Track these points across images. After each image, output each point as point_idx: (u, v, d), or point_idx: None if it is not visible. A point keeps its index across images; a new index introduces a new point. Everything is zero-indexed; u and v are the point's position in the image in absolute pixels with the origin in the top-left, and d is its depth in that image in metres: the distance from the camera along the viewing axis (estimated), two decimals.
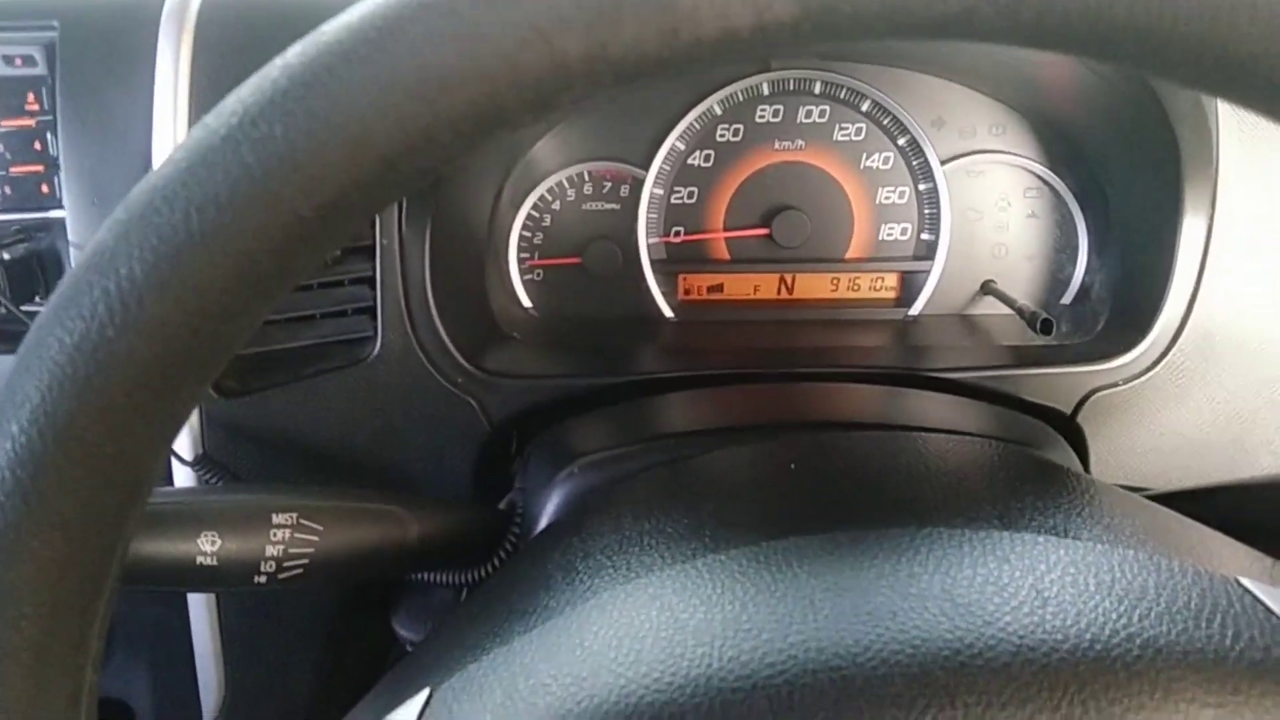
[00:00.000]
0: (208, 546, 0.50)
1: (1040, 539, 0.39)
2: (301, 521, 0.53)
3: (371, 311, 0.66)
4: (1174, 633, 0.34)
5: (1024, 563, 0.38)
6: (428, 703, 0.39)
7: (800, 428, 0.60)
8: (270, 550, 0.52)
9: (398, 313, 0.65)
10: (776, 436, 0.53)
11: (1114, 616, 0.35)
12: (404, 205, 0.64)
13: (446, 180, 0.66)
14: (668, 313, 0.82)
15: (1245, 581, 0.38)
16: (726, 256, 0.82)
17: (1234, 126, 0.64)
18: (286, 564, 0.52)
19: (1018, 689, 0.32)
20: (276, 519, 0.52)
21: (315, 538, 0.53)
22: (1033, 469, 0.50)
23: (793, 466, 0.49)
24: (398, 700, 0.40)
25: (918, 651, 0.33)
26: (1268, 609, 0.36)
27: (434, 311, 0.65)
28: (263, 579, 0.52)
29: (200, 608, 0.69)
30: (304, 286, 0.66)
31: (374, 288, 0.65)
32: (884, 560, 0.38)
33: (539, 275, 0.82)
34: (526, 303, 0.82)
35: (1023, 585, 0.36)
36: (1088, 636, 0.34)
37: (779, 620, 0.36)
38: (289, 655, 0.70)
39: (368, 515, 0.55)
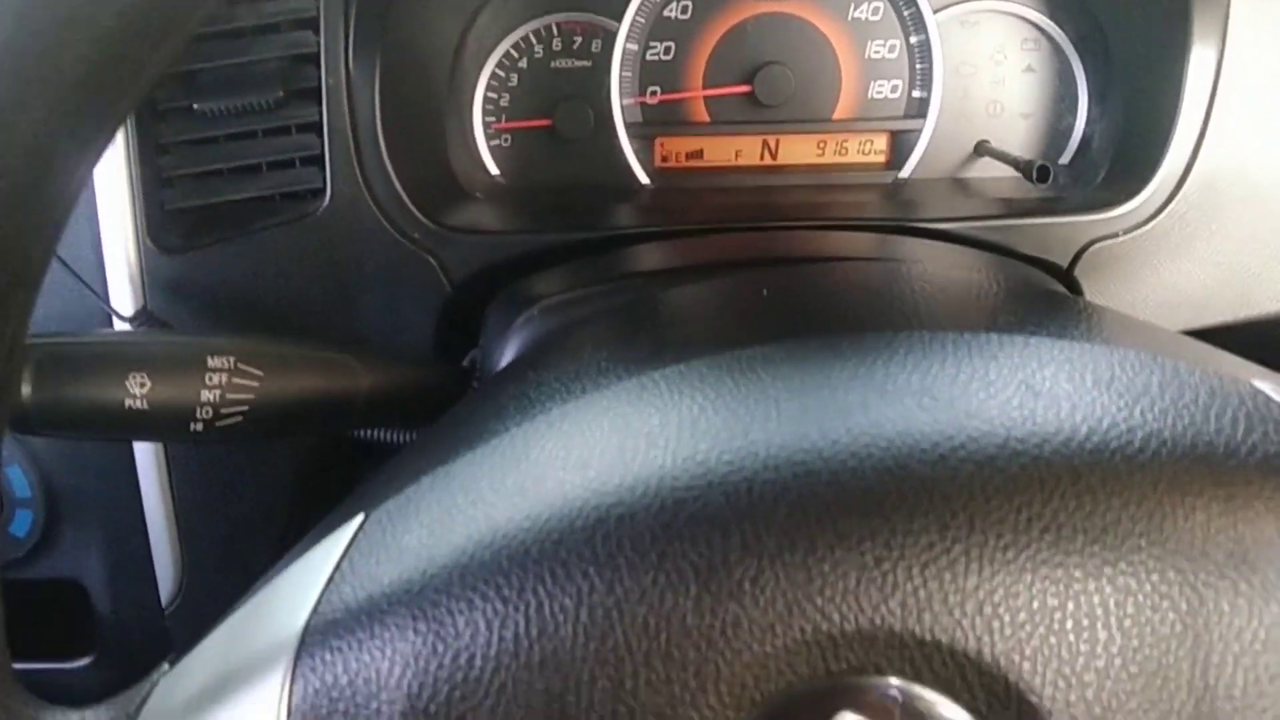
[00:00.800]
0: (136, 389, 0.47)
1: (1032, 340, 0.36)
2: (239, 365, 0.49)
3: (320, 161, 0.61)
4: (1180, 427, 0.31)
5: (1013, 360, 0.34)
6: (361, 527, 0.35)
7: (780, 265, 0.56)
8: (206, 395, 0.48)
9: (347, 161, 0.61)
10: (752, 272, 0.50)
11: (1114, 410, 0.31)
12: (350, 41, 0.59)
13: (399, 17, 0.61)
14: (643, 179, 0.78)
15: (1258, 383, 0.34)
16: (706, 118, 0.78)
17: None
18: (224, 410, 0.49)
19: (1005, 481, 0.29)
20: (212, 362, 0.48)
21: (255, 383, 0.49)
22: (1028, 292, 0.46)
23: (765, 293, 0.45)
24: (332, 530, 0.36)
25: (892, 445, 0.30)
26: None
27: (386, 159, 0.61)
28: (199, 426, 0.48)
29: (152, 481, 0.65)
30: (249, 135, 0.62)
31: (321, 134, 0.61)
32: (858, 361, 0.35)
33: (506, 140, 0.78)
34: (493, 169, 0.77)
35: (1011, 381, 0.33)
36: (1084, 429, 0.30)
37: (739, 419, 0.32)
38: (248, 530, 0.67)
39: (313, 363, 0.51)
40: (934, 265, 0.55)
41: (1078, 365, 0.34)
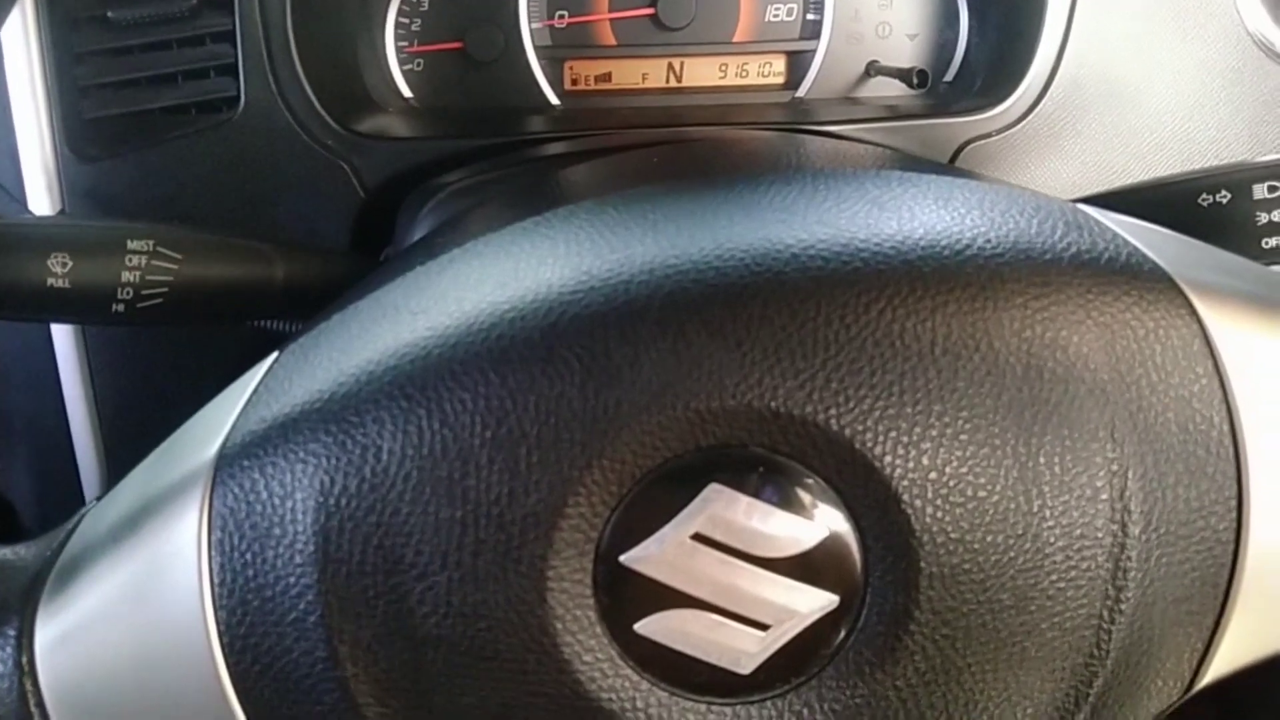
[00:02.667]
0: (58, 268, 0.49)
1: (889, 174, 0.40)
2: (159, 249, 0.51)
3: (234, 70, 0.63)
4: (1004, 230, 0.35)
5: (866, 187, 0.38)
6: (276, 360, 0.38)
7: None
8: (126, 276, 0.50)
9: (260, 68, 0.63)
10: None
11: (948, 219, 0.36)
12: None
13: None
14: (554, 100, 0.81)
15: (1084, 206, 0.39)
16: (613, 41, 0.81)
17: None
18: (145, 291, 0.51)
19: (848, 273, 0.33)
20: (132, 244, 0.50)
21: (174, 265, 0.51)
22: (899, 158, 0.51)
23: (655, 160, 0.48)
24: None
25: (751, 248, 0.34)
26: (1100, 222, 0.37)
27: (299, 68, 0.63)
28: (120, 307, 0.51)
29: (75, 389, 0.67)
30: (164, 45, 0.63)
31: (235, 44, 0.63)
32: (728, 192, 0.39)
33: (419, 65, 0.80)
34: (406, 92, 0.80)
35: (862, 199, 0.37)
36: (920, 232, 0.35)
37: (620, 238, 0.36)
38: (171, 429, 0.69)
39: (231, 249, 0.54)
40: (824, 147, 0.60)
41: (923, 189, 0.38)
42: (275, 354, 0.38)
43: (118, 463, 0.69)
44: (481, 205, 0.49)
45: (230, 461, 0.34)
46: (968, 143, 0.68)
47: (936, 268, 0.33)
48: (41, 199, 0.63)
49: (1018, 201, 0.37)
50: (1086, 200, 0.56)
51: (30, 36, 0.61)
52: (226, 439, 0.35)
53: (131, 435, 0.69)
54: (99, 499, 0.40)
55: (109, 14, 0.62)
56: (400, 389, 0.32)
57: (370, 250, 0.67)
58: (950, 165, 0.54)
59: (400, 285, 0.38)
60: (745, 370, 0.31)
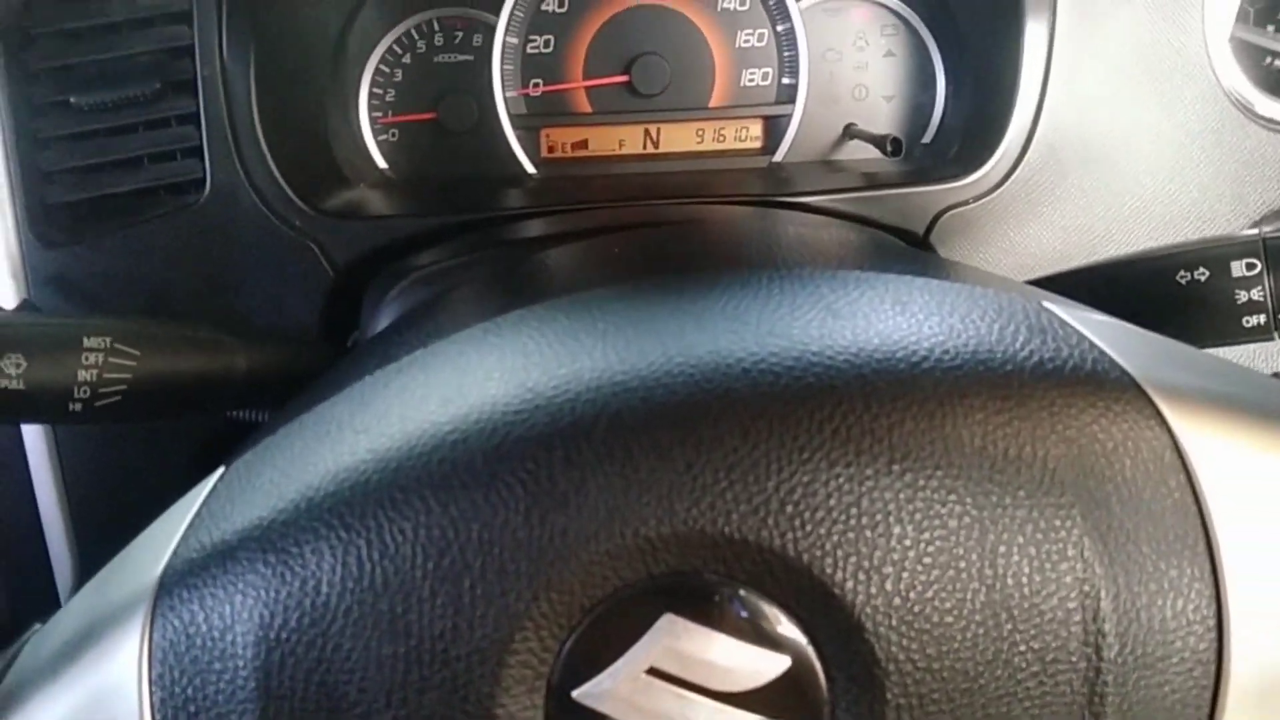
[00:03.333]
0: (12, 369, 0.48)
1: (843, 274, 0.39)
2: (116, 346, 0.50)
3: (199, 152, 0.63)
4: (964, 338, 0.34)
5: (820, 290, 0.37)
6: (220, 478, 0.37)
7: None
8: (83, 375, 0.49)
9: (225, 150, 0.62)
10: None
11: (904, 327, 0.35)
12: (224, 33, 0.61)
13: (273, 10, 0.63)
14: (530, 169, 0.80)
15: (1048, 304, 0.38)
16: (589, 109, 0.81)
17: None
18: (102, 390, 0.50)
19: (800, 389, 0.32)
20: (89, 342, 0.49)
21: (132, 363, 0.50)
22: (867, 243, 0.50)
23: (616, 250, 0.47)
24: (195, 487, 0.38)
25: (700, 363, 0.33)
26: (1065, 323, 0.36)
27: (264, 146, 0.62)
28: (78, 406, 0.49)
29: (45, 478, 0.66)
30: (128, 129, 0.63)
31: (199, 126, 0.62)
32: (679, 297, 0.37)
33: (393, 135, 0.80)
34: (381, 163, 0.79)
35: (815, 307, 0.36)
36: (875, 343, 0.33)
37: (568, 351, 0.35)
38: (143, 520, 0.67)
39: (190, 342, 0.53)
40: (789, 229, 0.59)
41: (880, 292, 0.37)
42: (220, 470, 0.37)
43: (90, 554, 0.68)
44: (440, 300, 0.48)
45: (170, 590, 0.32)
46: (944, 211, 0.67)
47: (892, 381, 0.32)
48: (6, 286, 0.62)
49: (979, 304, 0.36)
50: (1062, 277, 0.55)
51: None
52: (167, 565, 0.34)
53: (104, 524, 0.67)
54: (41, 626, 0.38)
55: (71, 99, 0.61)
56: (339, 517, 0.31)
57: (340, 330, 0.66)
58: (918, 249, 0.53)
59: (346, 398, 0.37)
60: (696, 494, 0.30)
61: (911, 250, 0.50)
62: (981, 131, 0.70)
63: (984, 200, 0.67)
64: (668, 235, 0.49)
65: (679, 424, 0.31)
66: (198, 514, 0.35)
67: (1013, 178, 0.67)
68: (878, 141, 0.73)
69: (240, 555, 0.32)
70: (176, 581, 0.33)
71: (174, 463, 0.67)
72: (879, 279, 0.38)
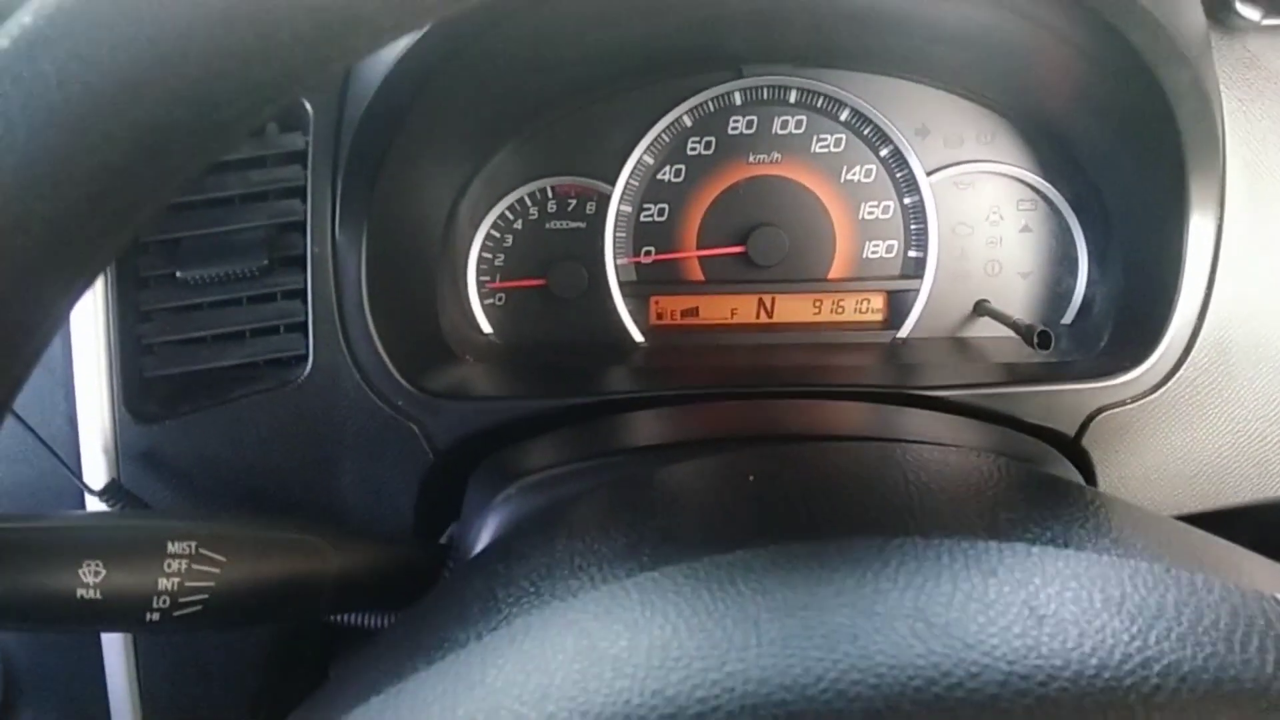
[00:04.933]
0: (90, 578, 0.44)
1: (1035, 549, 0.33)
2: (201, 551, 0.46)
3: (304, 328, 0.60)
4: (1201, 657, 0.28)
5: (1015, 576, 0.31)
6: None
7: (771, 442, 0.54)
8: (164, 583, 0.45)
9: (331, 328, 0.60)
10: (741, 450, 0.47)
11: (1126, 638, 0.28)
12: (338, 211, 0.59)
13: (388, 186, 0.61)
14: (638, 338, 0.76)
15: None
16: (701, 277, 0.77)
17: (1239, 112, 0.59)
18: (183, 599, 0.46)
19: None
20: (172, 547, 0.46)
21: (216, 570, 0.46)
22: (1030, 480, 0.44)
23: (751, 478, 0.42)
24: None
25: (882, 681, 0.27)
26: None
27: (371, 326, 0.60)
28: (155, 616, 0.46)
29: (116, 658, 0.62)
30: (233, 302, 0.61)
31: (306, 301, 0.60)
32: (845, 575, 0.32)
33: (500, 299, 0.77)
34: (486, 328, 0.76)
35: (1013, 601, 0.30)
36: (1094, 661, 0.27)
37: (715, 646, 0.29)
38: (215, 715, 0.63)
39: (278, 546, 0.49)
40: (933, 439, 0.53)
41: (1085, 581, 0.31)
42: None
43: None
44: (554, 522, 0.43)
45: None
46: (1099, 411, 0.61)
47: (1122, 713, 0.26)
48: (96, 463, 0.59)
49: (1209, 605, 0.30)
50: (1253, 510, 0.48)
51: (97, 295, 0.58)
52: None
53: (173, 708, 0.63)
54: None
55: (178, 273, 0.59)
56: None
57: (433, 519, 0.62)
58: (1084, 485, 0.46)
59: (452, 667, 0.32)
60: None
61: (1079, 487, 0.44)
62: (1138, 323, 0.64)
63: (1144, 401, 0.61)
64: (801, 457, 0.44)
65: None
66: None
67: (1176, 377, 0.61)
68: (1021, 330, 0.67)
69: None
70: None
71: (252, 652, 0.62)
72: (1083, 559, 0.32)
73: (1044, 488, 0.42)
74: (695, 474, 0.45)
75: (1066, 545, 0.34)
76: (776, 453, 0.46)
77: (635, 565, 0.35)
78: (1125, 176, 0.66)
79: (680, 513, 0.41)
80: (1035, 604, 0.30)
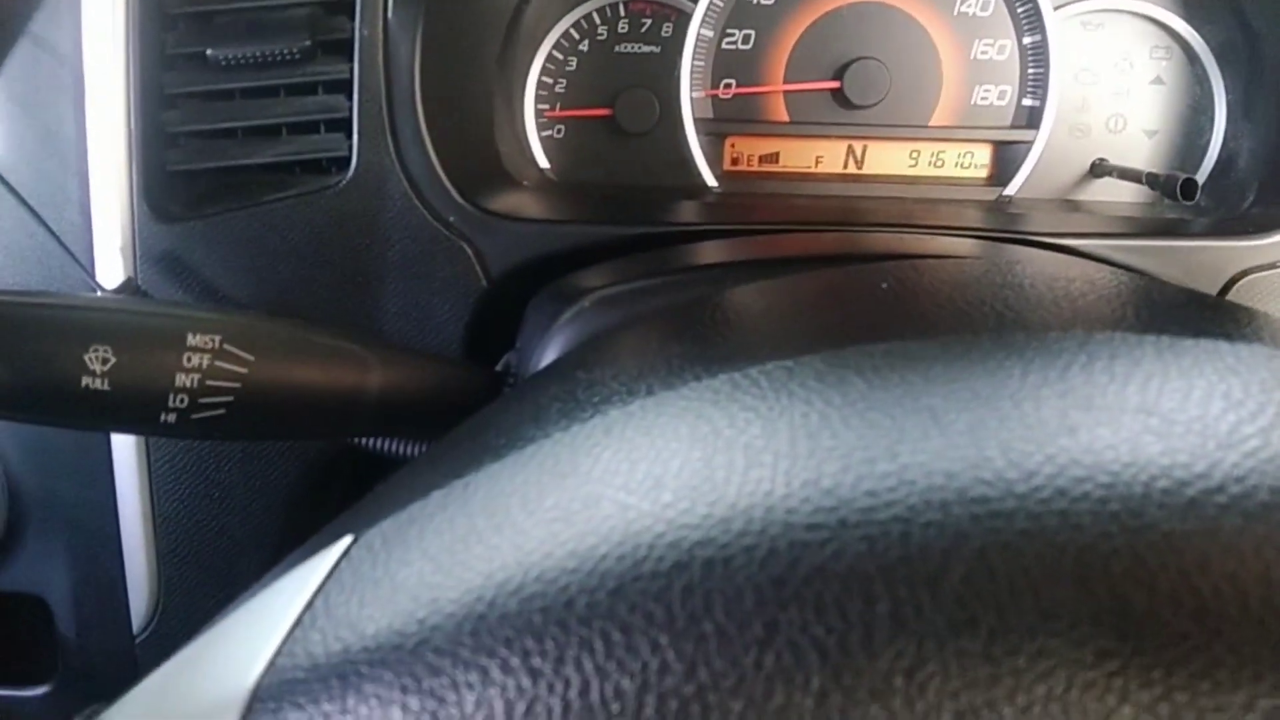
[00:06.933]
0: (97, 365, 0.38)
1: (1272, 348, 0.26)
2: (226, 347, 0.40)
3: (348, 126, 0.53)
4: None
5: (1261, 375, 0.24)
6: (346, 553, 0.26)
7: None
8: (182, 379, 0.39)
9: (379, 126, 0.52)
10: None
11: None
12: None
13: None
14: (710, 182, 0.69)
15: None
16: (785, 117, 0.69)
17: None
18: (204, 400, 0.40)
19: None
20: (193, 339, 0.39)
21: (244, 369, 0.40)
22: (1214, 303, 0.37)
23: (885, 285, 0.35)
24: (311, 555, 0.28)
25: (1118, 480, 0.20)
26: None
27: (424, 128, 0.52)
28: (172, 417, 0.40)
29: (130, 488, 0.57)
30: (269, 91, 0.54)
31: (351, 95, 0.53)
32: (1045, 366, 0.25)
33: (559, 131, 0.69)
34: (543, 162, 0.69)
35: (1267, 401, 0.23)
36: None
37: (880, 431, 0.23)
38: (234, 550, 0.58)
39: (316, 349, 0.42)
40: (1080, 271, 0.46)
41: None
42: (350, 539, 0.27)
43: (170, 571, 0.58)
44: (640, 330, 0.36)
45: (270, 708, 0.22)
46: (1243, 274, 0.53)
47: None
48: (111, 262, 0.53)
49: None
50: None
51: (117, 73, 0.51)
52: (263, 676, 0.23)
53: (188, 540, 0.58)
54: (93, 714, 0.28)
55: (208, 52, 0.52)
56: (523, 656, 0.20)
57: (486, 349, 0.55)
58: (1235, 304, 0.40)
59: (531, 459, 0.26)
60: (1111, 707, 0.18)
61: (1260, 313, 0.37)
62: None
63: None
64: (940, 267, 0.37)
65: (1090, 587, 0.19)
66: (311, 604, 0.25)
67: None
68: (1157, 182, 0.59)
69: (367, 687, 0.21)
70: (272, 706, 0.22)
71: (275, 483, 0.57)
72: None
73: (1238, 310, 0.34)
74: (815, 282, 0.38)
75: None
76: (909, 265, 0.38)
77: (759, 358, 0.28)
78: None
79: (808, 314, 0.35)
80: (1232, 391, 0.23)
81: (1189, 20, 0.64)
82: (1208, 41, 0.64)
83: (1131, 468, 0.20)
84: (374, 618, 0.22)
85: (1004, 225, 0.57)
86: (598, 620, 0.20)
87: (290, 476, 0.56)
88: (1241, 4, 0.62)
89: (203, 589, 0.58)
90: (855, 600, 0.19)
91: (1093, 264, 0.49)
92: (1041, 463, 0.21)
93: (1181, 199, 0.56)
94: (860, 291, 0.36)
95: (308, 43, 0.51)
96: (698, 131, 0.68)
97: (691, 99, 0.67)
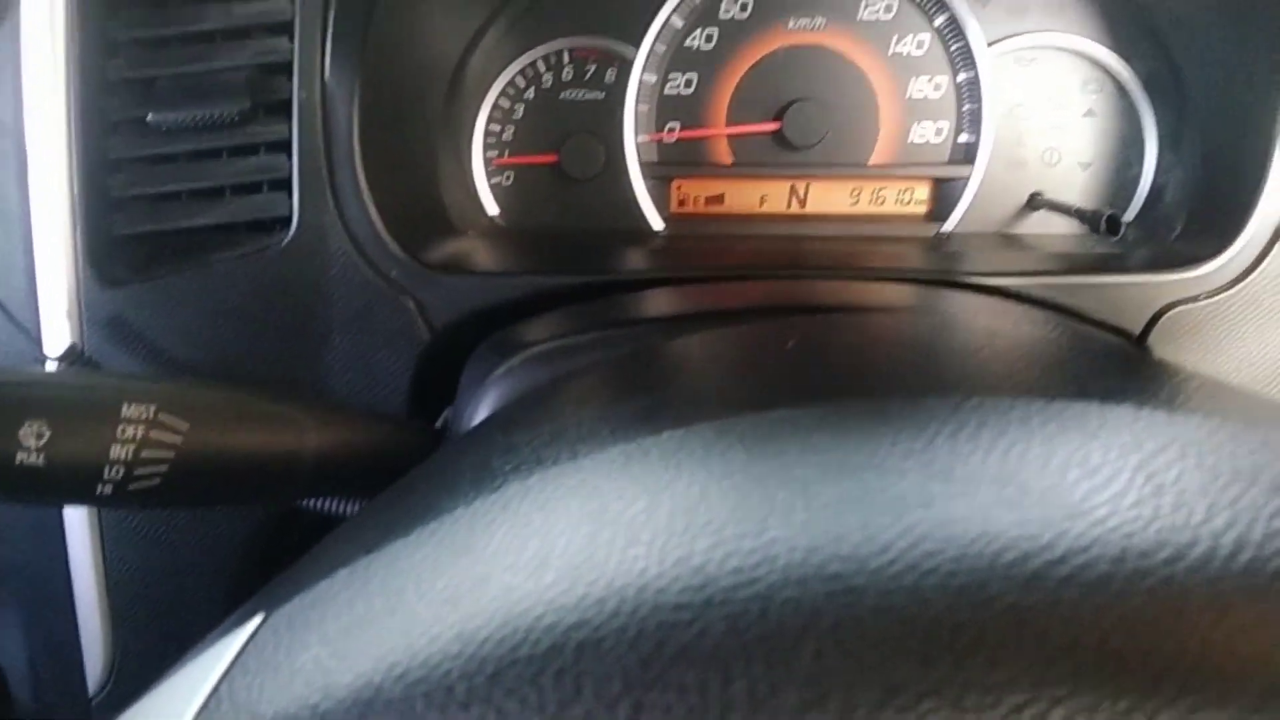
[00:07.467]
0: (32, 441, 0.39)
1: (1144, 411, 0.27)
2: (160, 416, 0.41)
3: (288, 185, 0.54)
4: None
5: (1123, 440, 0.25)
6: (254, 634, 0.27)
7: (806, 313, 0.48)
8: (117, 451, 0.40)
9: (319, 185, 0.53)
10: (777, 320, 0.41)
11: (1269, 512, 0.23)
12: (328, 50, 0.52)
13: (385, 27, 0.54)
14: (657, 225, 0.70)
15: None
16: (729, 160, 0.70)
17: None
18: (139, 471, 0.40)
19: (1126, 612, 0.20)
20: (128, 410, 0.40)
21: (178, 438, 0.41)
22: (1118, 351, 0.38)
23: (790, 345, 0.36)
24: (224, 635, 0.28)
25: (966, 554, 0.21)
26: None
27: (363, 184, 0.53)
28: (108, 489, 0.40)
29: (82, 549, 0.57)
30: (211, 153, 0.54)
31: (291, 154, 0.54)
32: (913, 435, 0.26)
33: (509, 178, 0.70)
34: (491, 209, 0.70)
35: (1123, 467, 0.24)
36: (1230, 537, 0.22)
37: (753, 508, 0.24)
38: (188, 611, 0.58)
39: (250, 414, 0.43)
40: (989, 322, 0.47)
41: (1209, 448, 0.25)
42: (260, 617, 0.27)
43: (124, 633, 0.58)
44: (561, 390, 0.37)
45: None
46: (1168, 307, 0.54)
47: (1268, 605, 0.20)
48: (57, 328, 0.53)
49: None
50: None
51: (59, 140, 0.52)
52: None
53: (142, 602, 0.58)
54: None
55: (150, 116, 0.53)
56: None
57: (429, 404, 0.56)
58: (1200, 377, 0.40)
59: (433, 535, 0.27)
60: None
61: (1167, 365, 0.38)
62: (1216, 212, 0.57)
63: (1220, 297, 0.54)
64: (846, 324, 0.38)
65: (933, 657, 0.20)
66: (217, 688, 0.25)
67: (1259, 270, 0.54)
68: (1085, 216, 0.60)
69: None
70: None
71: (227, 543, 0.57)
72: (1195, 424, 0.26)
73: (1135, 359, 0.36)
74: (726, 340, 0.39)
75: (1178, 410, 0.28)
76: (818, 320, 0.40)
77: (656, 426, 0.29)
78: (1210, 49, 0.59)
79: (710, 376, 0.35)
80: (1152, 470, 0.24)
81: (1119, 53, 0.66)
82: (1137, 74, 0.66)
83: (981, 540, 0.21)
84: (271, 700, 0.23)
85: (940, 265, 0.59)
86: (476, 705, 0.20)
87: (240, 535, 0.57)
88: (1166, 38, 0.63)
89: (157, 649, 0.58)
90: (714, 680, 0.20)
91: (1013, 310, 0.50)
92: (896, 536, 0.22)
93: (1107, 234, 0.58)
94: (766, 352, 0.37)
95: (248, 105, 0.52)
96: (643, 175, 0.69)
97: (636, 144, 0.69)
